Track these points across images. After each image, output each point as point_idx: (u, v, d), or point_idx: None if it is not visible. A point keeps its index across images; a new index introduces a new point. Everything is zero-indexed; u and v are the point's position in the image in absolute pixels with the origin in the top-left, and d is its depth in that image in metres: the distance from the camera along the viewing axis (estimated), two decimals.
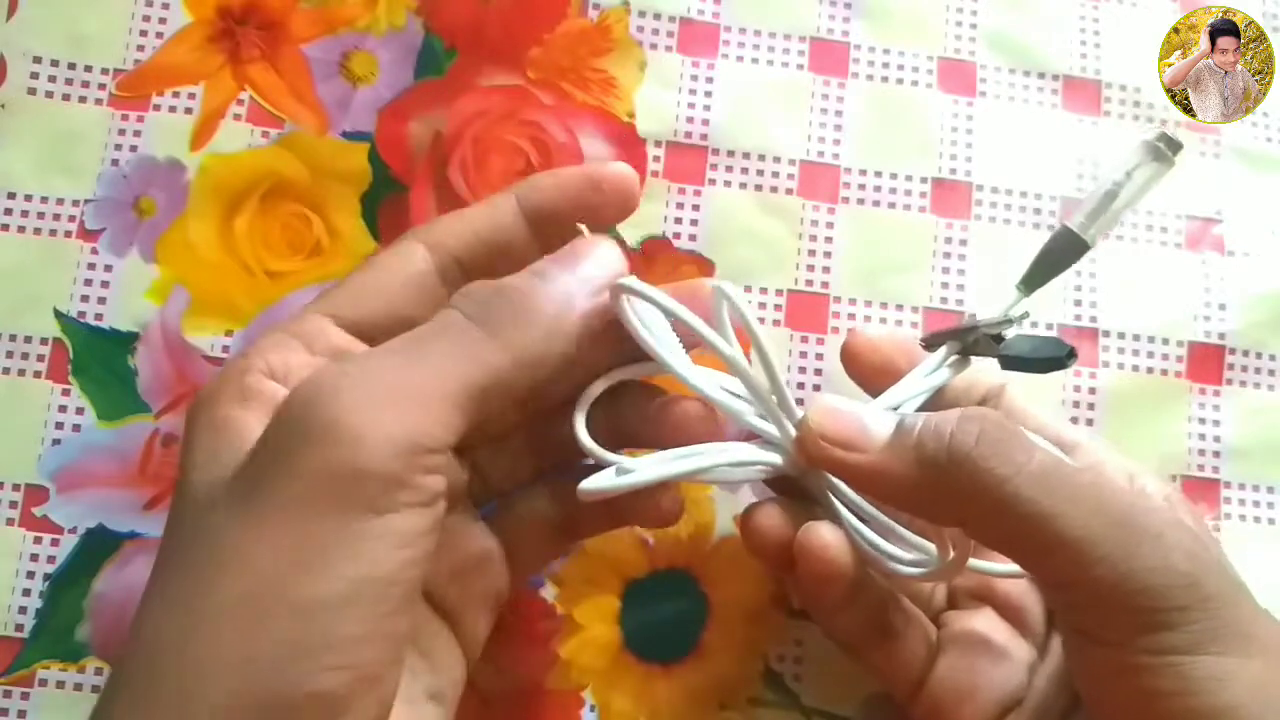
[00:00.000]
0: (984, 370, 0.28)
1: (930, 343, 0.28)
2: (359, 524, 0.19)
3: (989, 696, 0.26)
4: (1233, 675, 0.22)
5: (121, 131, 0.33)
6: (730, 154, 0.34)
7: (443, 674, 0.24)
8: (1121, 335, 0.34)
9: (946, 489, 0.23)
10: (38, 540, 0.30)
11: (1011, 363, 0.26)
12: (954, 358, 0.27)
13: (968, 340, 0.27)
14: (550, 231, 0.26)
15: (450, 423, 0.20)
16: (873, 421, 0.24)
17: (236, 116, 0.33)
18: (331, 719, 0.18)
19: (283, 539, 0.19)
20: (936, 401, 0.28)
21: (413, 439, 0.19)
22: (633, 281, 0.24)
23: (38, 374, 0.31)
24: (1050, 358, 0.25)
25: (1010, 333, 0.27)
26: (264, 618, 0.18)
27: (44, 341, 0.31)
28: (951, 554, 0.25)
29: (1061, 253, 0.27)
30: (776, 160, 0.34)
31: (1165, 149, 0.27)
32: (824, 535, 0.25)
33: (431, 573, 0.22)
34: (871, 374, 0.28)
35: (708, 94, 0.34)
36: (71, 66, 0.33)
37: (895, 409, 0.26)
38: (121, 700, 0.19)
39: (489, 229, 0.25)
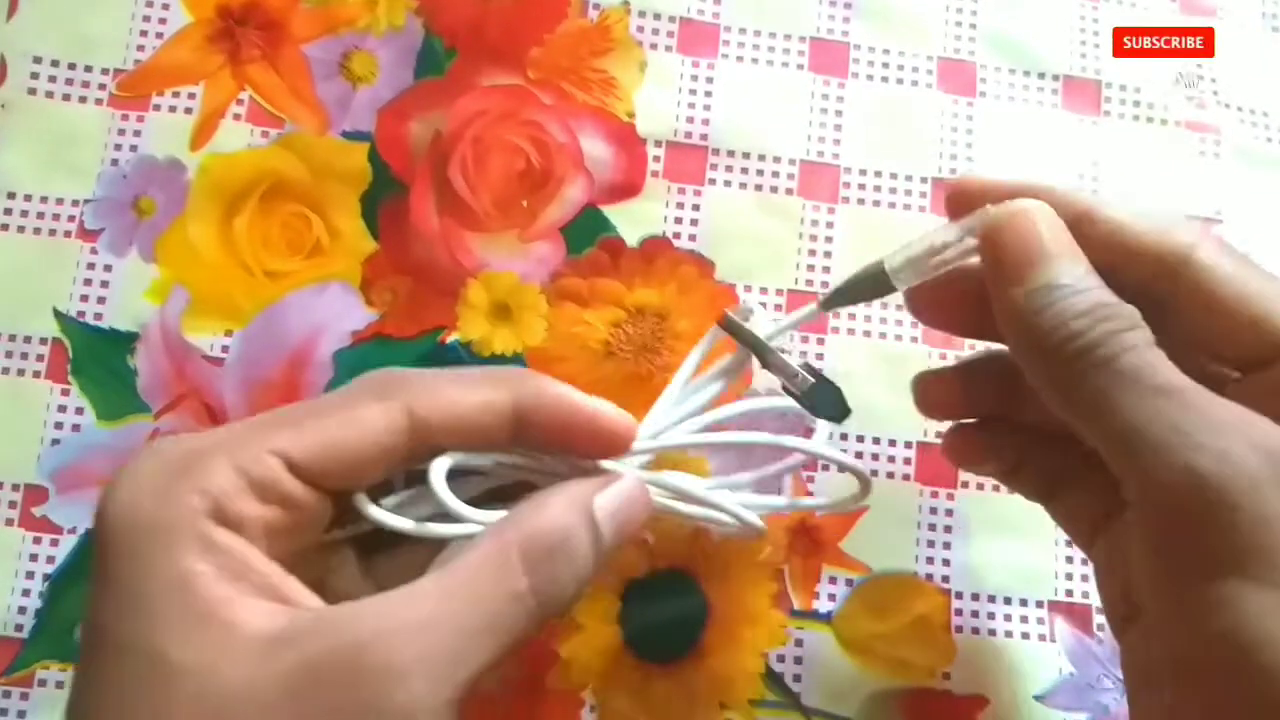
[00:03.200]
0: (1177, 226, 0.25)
1: (729, 326, 0.27)
2: None
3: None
4: (1237, 600, 0.19)
5: (121, 131, 0.33)
6: (730, 154, 0.34)
7: None
8: None
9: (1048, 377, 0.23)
10: (37, 540, 0.30)
11: (800, 401, 0.27)
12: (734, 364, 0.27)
13: (764, 356, 0.27)
14: (529, 438, 0.25)
15: (469, 681, 0.21)
16: (1055, 262, 0.23)
17: (236, 116, 0.33)
18: None
19: None
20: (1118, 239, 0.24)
21: (450, 704, 0.20)
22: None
23: (37, 374, 0.31)
24: (830, 409, 0.27)
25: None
26: None
27: (43, 341, 0.31)
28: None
29: (869, 286, 0.26)
30: (776, 160, 0.34)
31: None
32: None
33: None
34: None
35: (708, 94, 0.34)
36: (72, 66, 0.33)
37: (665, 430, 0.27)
38: None
39: (476, 423, 0.24)
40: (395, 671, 0.19)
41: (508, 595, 0.21)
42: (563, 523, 0.23)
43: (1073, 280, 0.23)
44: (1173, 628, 0.21)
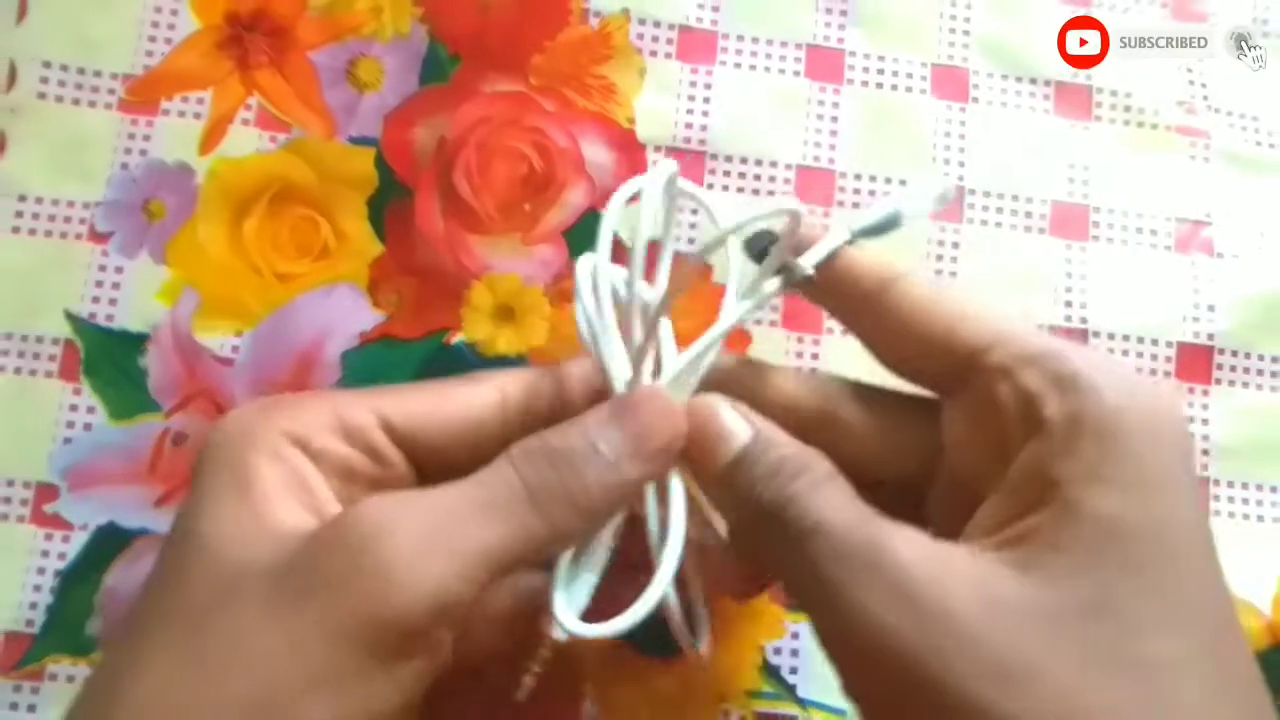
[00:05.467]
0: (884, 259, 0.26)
1: (753, 247, 0.26)
2: (379, 665, 0.20)
3: None
4: None
5: (131, 136, 0.33)
6: (728, 159, 0.35)
7: None
8: (1111, 336, 0.35)
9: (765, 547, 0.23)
10: (48, 537, 0.30)
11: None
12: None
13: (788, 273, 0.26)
14: None
15: (479, 582, 0.21)
16: (732, 439, 0.24)
17: (245, 121, 0.33)
18: None
19: (309, 660, 0.20)
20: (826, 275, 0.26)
21: (446, 599, 0.21)
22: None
23: (49, 374, 0.31)
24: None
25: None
26: None
27: (55, 342, 0.32)
28: None
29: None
30: (773, 165, 0.35)
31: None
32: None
33: None
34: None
35: (706, 100, 0.35)
36: (81, 71, 0.33)
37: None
38: None
39: (563, 402, 0.26)
40: (385, 534, 0.21)
41: (497, 481, 0.22)
42: (552, 434, 0.24)
43: (750, 445, 0.24)
44: None
